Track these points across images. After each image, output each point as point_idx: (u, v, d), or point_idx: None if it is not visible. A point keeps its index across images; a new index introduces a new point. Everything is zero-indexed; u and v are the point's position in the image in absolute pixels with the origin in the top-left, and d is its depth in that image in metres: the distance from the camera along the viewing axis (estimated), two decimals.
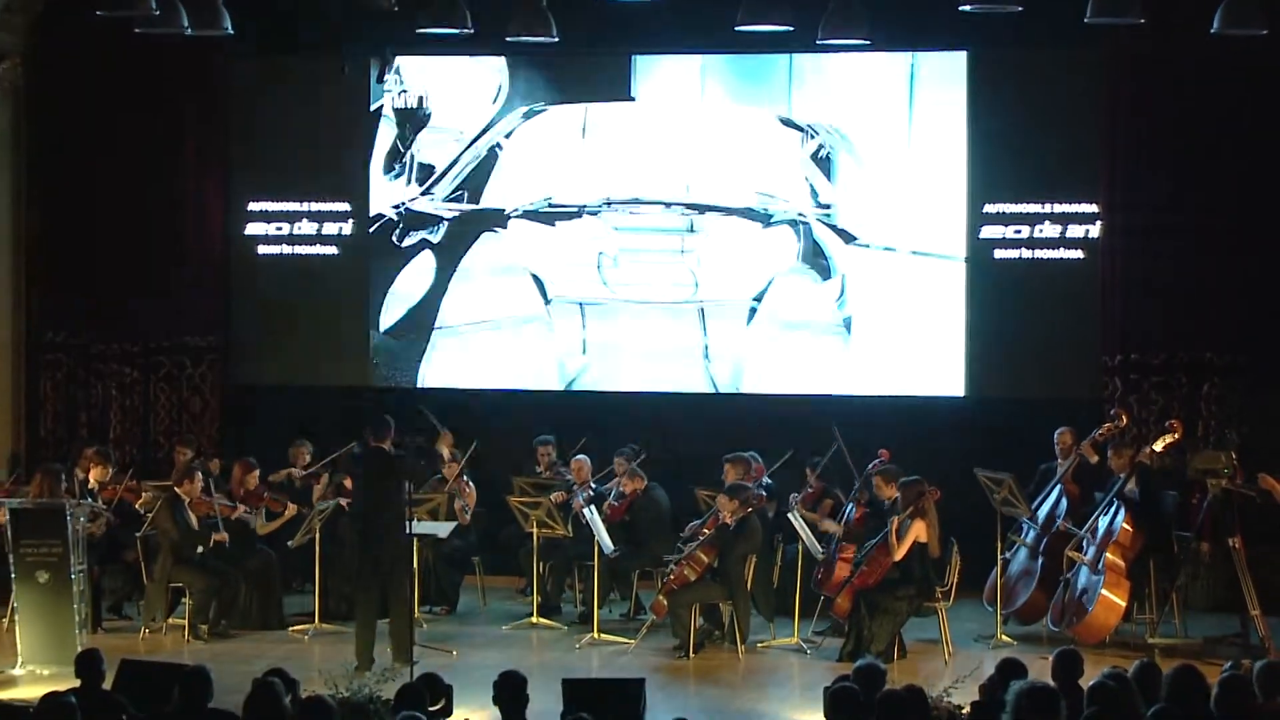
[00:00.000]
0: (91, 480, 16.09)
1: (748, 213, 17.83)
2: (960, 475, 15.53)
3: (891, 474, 14.99)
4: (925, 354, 17.64)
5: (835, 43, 16.02)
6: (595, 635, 15.29)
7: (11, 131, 18.04)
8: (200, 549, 15.43)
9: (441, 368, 18.45)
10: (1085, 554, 15.02)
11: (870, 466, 15.49)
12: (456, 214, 18.25)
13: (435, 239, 18.31)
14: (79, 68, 18.05)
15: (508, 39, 16.21)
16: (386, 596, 14.56)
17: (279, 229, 18.63)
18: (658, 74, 18.05)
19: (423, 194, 18.27)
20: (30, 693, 12.15)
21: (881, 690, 10.02)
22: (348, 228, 18.52)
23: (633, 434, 16.87)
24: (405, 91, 18.29)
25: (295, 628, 15.65)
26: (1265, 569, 14.97)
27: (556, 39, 16.10)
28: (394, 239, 18.33)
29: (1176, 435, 15.34)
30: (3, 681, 11.97)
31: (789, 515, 15.34)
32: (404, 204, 18.30)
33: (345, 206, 18.51)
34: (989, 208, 17.48)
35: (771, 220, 17.79)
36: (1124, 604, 14.93)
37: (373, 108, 18.35)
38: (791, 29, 15.69)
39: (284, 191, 18.57)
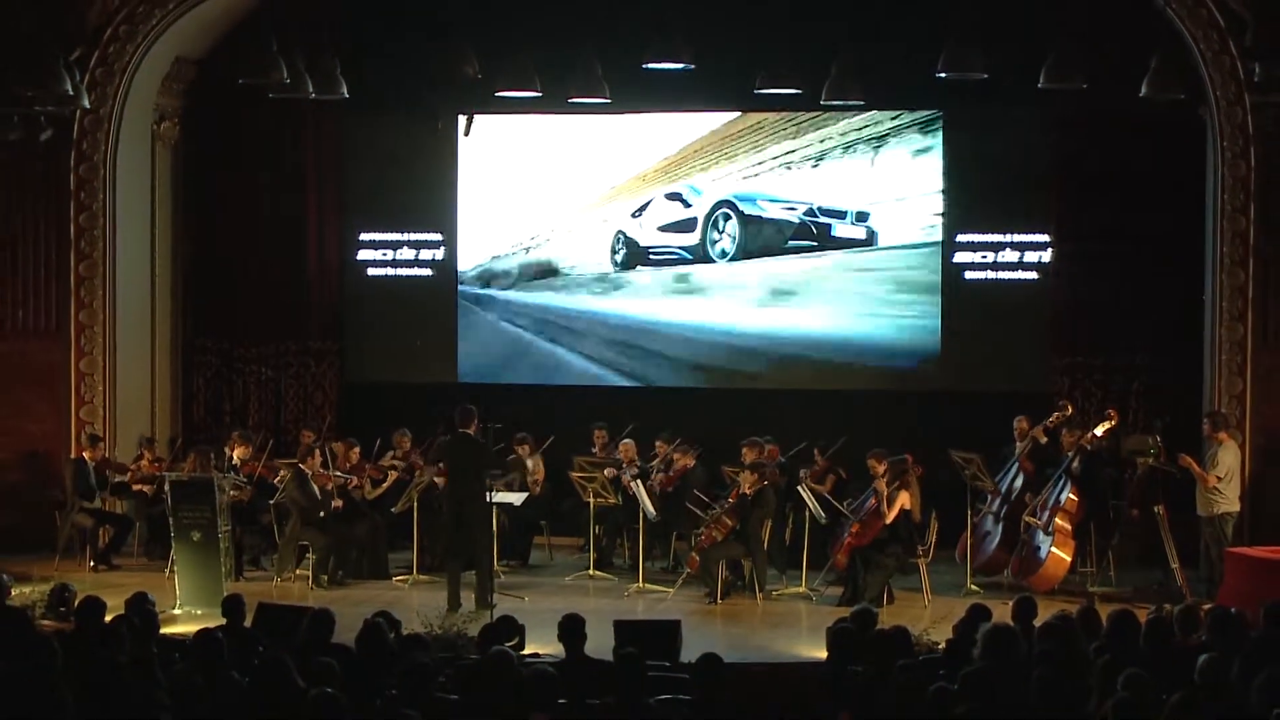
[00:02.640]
0: (234, 458, 16.10)
1: (764, 249, 17.86)
2: (937, 455, 15.49)
3: (881, 454, 14.96)
4: (908, 356, 17.60)
5: (835, 103, 16.04)
6: (640, 585, 15.26)
7: (170, 178, 18.08)
8: (321, 514, 15.49)
9: (514, 370, 18.52)
10: (1039, 519, 14.99)
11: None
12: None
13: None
14: (224, 125, 18.09)
15: (569, 100, 16.25)
16: (472, 554, 14.62)
17: (384, 255, 18.64)
18: (689, 128, 18.02)
19: None
20: (186, 629, 12.19)
21: (873, 630, 10.04)
22: (439, 254, 18.56)
23: (669, 421, 16.86)
24: None
25: (397, 578, 15.65)
26: (1183, 531, 14.88)
27: (609, 100, 16.15)
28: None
29: (1113, 422, 15.27)
30: (165, 620, 11.99)
31: (799, 488, 15.33)
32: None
33: (438, 236, 18.54)
34: (960, 237, 17.42)
35: (786, 247, 17.79)
36: (1070, 559, 14.88)
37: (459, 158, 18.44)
38: (800, 92, 15.72)
39: (388, 224, 18.57)
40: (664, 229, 18.07)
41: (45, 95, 15.85)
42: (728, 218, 17.88)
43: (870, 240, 17.51)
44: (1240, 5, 15.29)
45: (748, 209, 17.82)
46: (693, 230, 18.00)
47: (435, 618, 12.75)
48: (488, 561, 14.42)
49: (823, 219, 17.64)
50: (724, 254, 17.93)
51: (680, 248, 18.06)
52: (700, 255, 18.00)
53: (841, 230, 17.61)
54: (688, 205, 17.97)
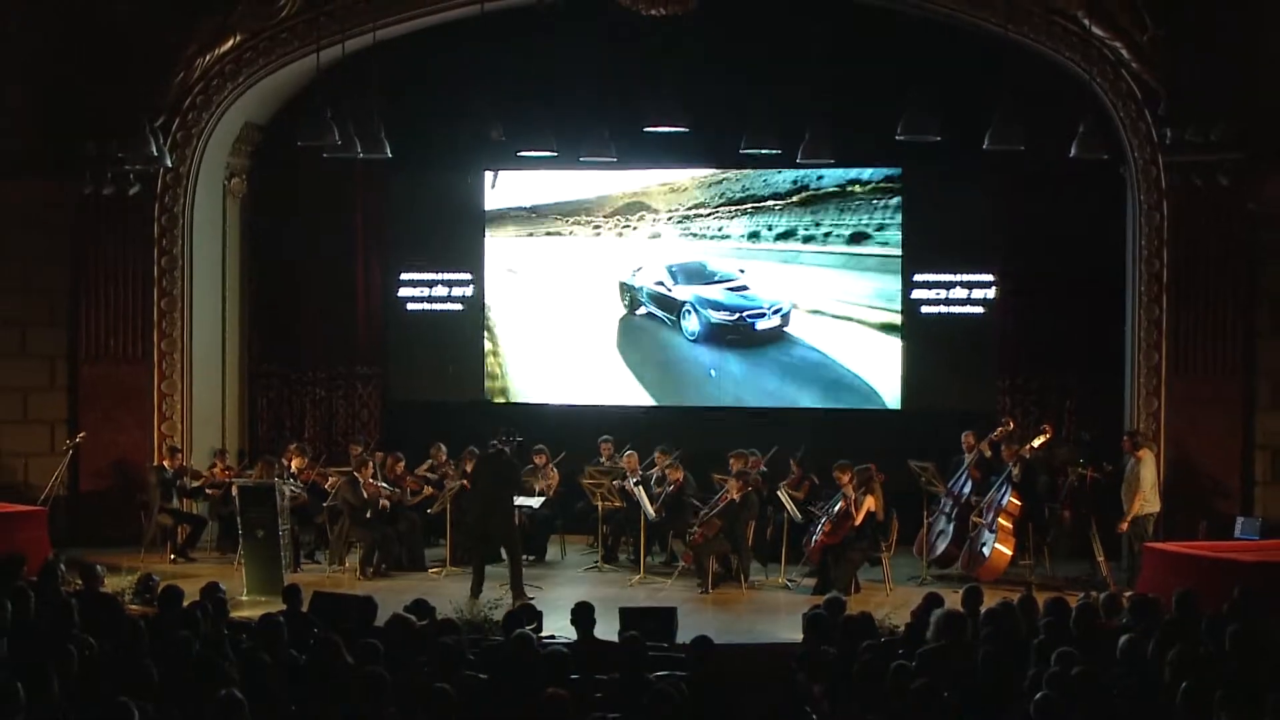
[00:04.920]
0: (293, 467, 16.12)
1: (741, 290, 17.89)
2: (898, 464, 15.50)
3: (845, 465, 14.93)
4: (873, 379, 17.63)
5: (810, 162, 16.08)
6: (642, 576, 15.27)
7: (239, 227, 18.15)
8: (368, 515, 15.51)
9: (536, 390, 18.54)
10: (985, 519, 15.00)
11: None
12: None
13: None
14: (285, 181, 18.13)
15: (580, 159, 16.30)
16: (497, 553, 14.59)
17: (421, 291, 18.65)
18: (677, 182, 18.06)
19: None
20: (252, 613, 12.21)
21: (842, 615, 10.06)
22: (468, 290, 18.60)
23: (665, 435, 16.86)
24: None
25: (432, 570, 15.65)
26: (1106, 529, 14.91)
27: (615, 159, 16.21)
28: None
29: (1048, 435, 15.31)
30: (233, 605, 12.02)
31: (778, 493, 15.34)
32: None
33: (467, 276, 18.58)
34: (917, 276, 17.46)
35: (761, 296, 17.81)
36: (1011, 554, 14.90)
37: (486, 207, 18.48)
38: (780, 152, 15.76)
39: (425, 265, 18.61)
40: (652, 298, 18.12)
41: (134, 156, 16.15)
42: (689, 313, 17.94)
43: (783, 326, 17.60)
44: (1153, 80, 15.45)
45: (702, 311, 17.87)
46: (673, 309, 18.05)
47: (466, 605, 12.77)
48: (519, 563, 14.38)
49: (749, 319, 17.69)
50: (692, 333, 17.97)
51: (665, 316, 18.12)
52: (676, 324, 18.07)
53: (762, 324, 17.68)
54: (669, 289, 18.01)
